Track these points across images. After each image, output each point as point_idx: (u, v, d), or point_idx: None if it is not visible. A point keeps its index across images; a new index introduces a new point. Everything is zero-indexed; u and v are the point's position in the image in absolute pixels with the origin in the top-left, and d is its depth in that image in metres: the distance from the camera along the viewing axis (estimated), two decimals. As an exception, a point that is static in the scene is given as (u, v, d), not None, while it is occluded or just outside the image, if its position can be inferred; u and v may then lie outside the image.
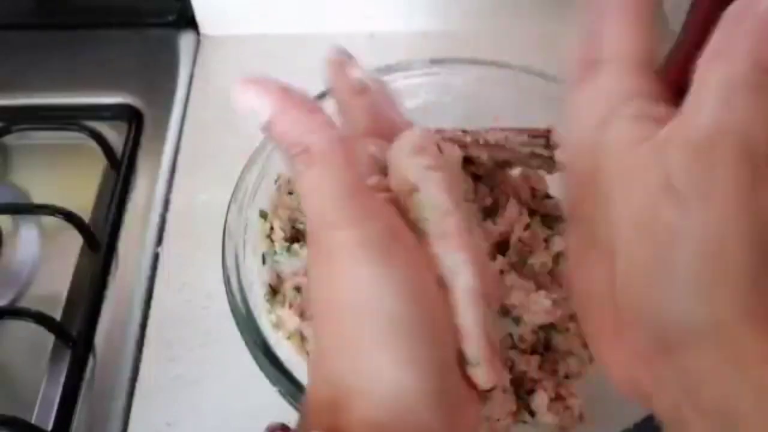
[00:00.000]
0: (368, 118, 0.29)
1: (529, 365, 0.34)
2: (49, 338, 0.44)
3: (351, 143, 0.22)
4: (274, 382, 0.31)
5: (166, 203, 0.51)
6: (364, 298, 0.20)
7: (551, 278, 0.36)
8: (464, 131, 0.42)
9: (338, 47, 0.32)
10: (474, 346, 0.22)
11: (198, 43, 0.62)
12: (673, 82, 0.45)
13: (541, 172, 0.37)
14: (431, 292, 0.21)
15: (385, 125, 0.28)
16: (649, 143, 0.19)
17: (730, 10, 0.18)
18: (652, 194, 0.18)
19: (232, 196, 0.38)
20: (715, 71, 0.18)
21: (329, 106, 0.41)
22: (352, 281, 0.20)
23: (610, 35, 0.22)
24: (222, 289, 0.35)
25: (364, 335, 0.20)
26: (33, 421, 0.41)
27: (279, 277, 0.39)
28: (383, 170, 0.25)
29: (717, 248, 0.17)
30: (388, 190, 0.24)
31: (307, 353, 0.36)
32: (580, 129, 0.22)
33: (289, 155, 0.22)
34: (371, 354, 0.20)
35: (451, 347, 0.21)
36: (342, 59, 0.32)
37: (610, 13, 0.22)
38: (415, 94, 0.43)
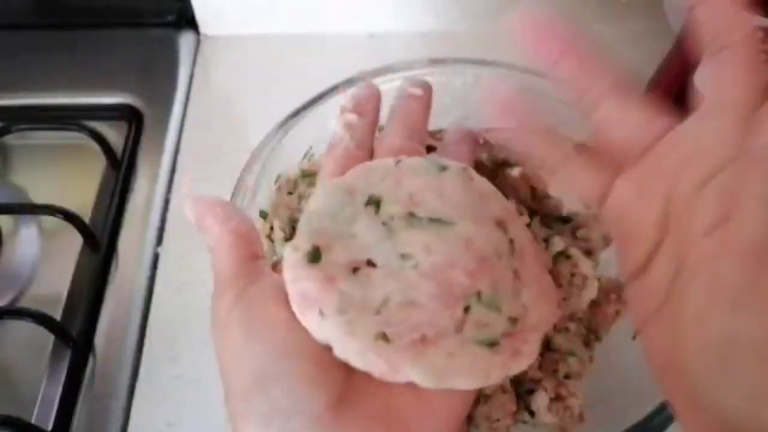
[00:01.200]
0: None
1: (529, 365, 0.34)
2: (49, 338, 0.44)
3: (239, 233, 0.27)
4: (274, 382, 0.31)
5: (166, 203, 0.51)
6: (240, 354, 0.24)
7: (551, 278, 0.36)
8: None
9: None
10: None
11: (198, 43, 0.62)
12: (672, 81, 0.45)
13: (541, 172, 0.37)
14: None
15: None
16: (713, 244, 0.19)
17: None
18: (708, 296, 0.19)
19: (231, 196, 0.38)
20: (758, 180, 0.18)
21: (334, 102, 0.41)
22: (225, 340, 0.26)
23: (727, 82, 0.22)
24: (222, 289, 0.35)
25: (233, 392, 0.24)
26: (33, 421, 0.41)
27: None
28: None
29: None
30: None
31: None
32: (686, 180, 0.21)
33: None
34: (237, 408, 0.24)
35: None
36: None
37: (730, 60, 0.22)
38: (415, 93, 0.43)
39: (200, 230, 0.27)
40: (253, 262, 0.26)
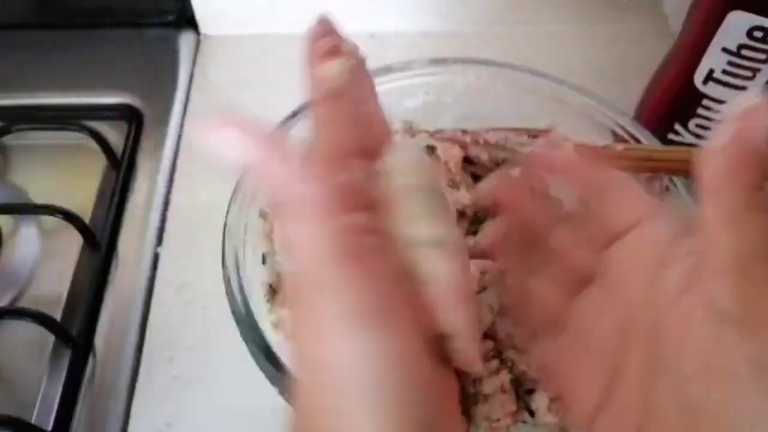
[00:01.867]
0: (349, 126, 0.24)
1: (529, 365, 0.34)
2: (49, 338, 0.44)
3: (347, 192, 0.20)
4: (274, 382, 0.31)
5: (166, 203, 0.51)
6: (349, 366, 0.19)
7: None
8: (464, 131, 0.42)
9: (322, 16, 0.26)
10: (466, 345, 0.22)
11: (198, 42, 0.62)
12: (672, 81, 0.45)
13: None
14: (420, 356, 0.20)
15: (365, 128, 0.25)
16: (695, 286, 0.20)
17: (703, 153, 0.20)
18: (709, 329, 0.19)
19: (232, 196, 0.38)
20: (714, 205, 0.19)
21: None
22: (338, 349, 0.19)
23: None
24: (222, 289, 0.35)
25: (348, 401, 0.19)
26: (33, 421, 0.41)
27: (279, 277, 0.39)
28: (370, 203, 0.22)
29: None
30: (378, 230, 0.21)
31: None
32: (634, 283, 0.23)
33: (275, 202, 0.21)
34: (353, 418, 0.19)
35: (437, 402, 0.20)
36: (325, 37, 0.27)
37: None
38: (415, 94, 0.43)
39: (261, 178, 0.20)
40: (361, 251, 0.20)
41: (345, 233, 0.19)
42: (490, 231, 0.30)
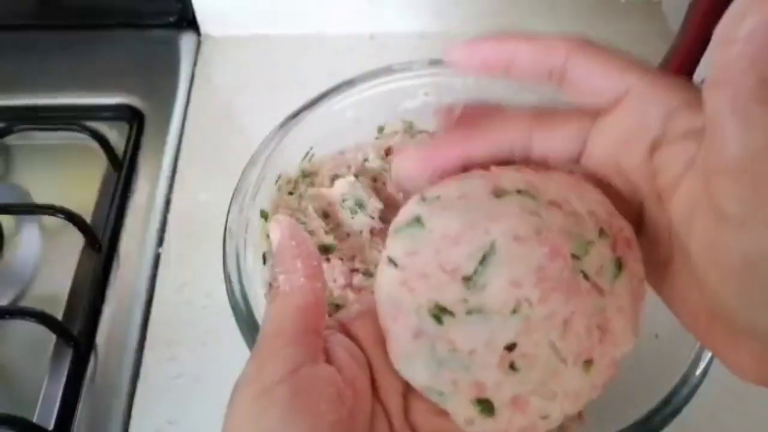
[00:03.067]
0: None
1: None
2: (51, 338, 0.44)
3: (320, 299, 0.23)
4: (274, 381, 0.31)
5: (167, 203, 0.51)
6: None
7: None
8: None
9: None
10: None
11: (199, 43, 0.62)
12: (704, 14, 0.44)
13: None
14: None
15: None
16: (696, 177, 0.20)
17: (721, 34, 0.18)
18: (712, 227, 0.19)
19: (232, 196, 0.38)
20: (723, 97, 0.18)
21: (334, 103, 0.41)
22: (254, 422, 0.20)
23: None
24: (223, 288, 0.35)
25: None
26: (35, 420, 0.41)
27: (279, 277, 0.39)
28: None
29: None
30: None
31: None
32: (631, 155, 0.22)
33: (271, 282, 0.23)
34: None
35: None
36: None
37: None
38: (415, 94, 0.43)
39: (279, 262, 0.23)
40: (316, 336, 0.22)
41: (296, 317, 0.22)
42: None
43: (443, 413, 0.21)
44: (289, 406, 0.19)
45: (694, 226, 0.20)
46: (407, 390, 0.22)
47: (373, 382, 0.22)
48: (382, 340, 0.22)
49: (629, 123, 0.22)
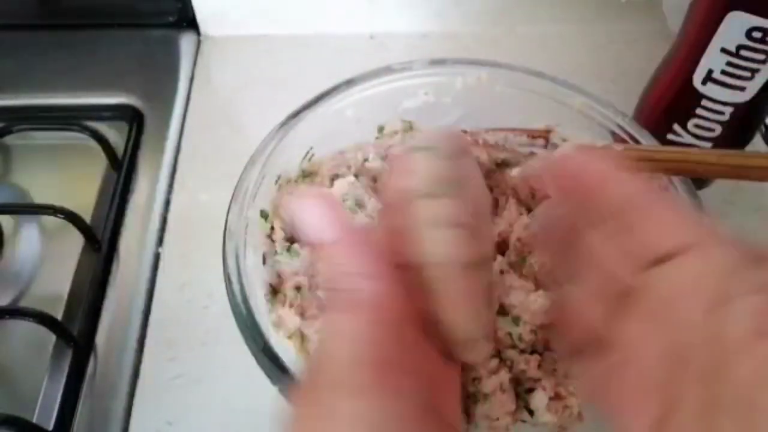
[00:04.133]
0: None
1: (529, 365, 0.34)
2: (50, 338, 0.44)
3: (402, 299, 0.19)
4: (274, 382, 0.31)
5: (167, 203, 0.51)
6: None
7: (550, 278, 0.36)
8: (464, 131, 0.42)
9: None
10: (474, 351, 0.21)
11: (198, 43, 0.62)
12: (671, 81, 0.45)
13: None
14: None
15: None
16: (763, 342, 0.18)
17: None
18: None
19: (232, 196, 0.38)
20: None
21: (334, 103, 0.41)
22: None
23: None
24: (222, 288, 0.35)
25: None
26: (34, 421, 0.41)
27: (279, 277, 0.39)
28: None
29: None
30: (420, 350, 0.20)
31: (308, 352, 0.36)
32: (687, 312, 0.19)
33: (328, 287, 0.19)
34: None
35: None
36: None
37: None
38: (415, 94, 0.43)
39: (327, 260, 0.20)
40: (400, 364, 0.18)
41: (387, 343, 0.18)
42: (541, 211, 0.26)
43: None
44: None
45: (759, 401, 0.17)
46: None
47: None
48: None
49: (690, 272, 0.20)
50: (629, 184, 0.21)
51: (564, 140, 0.41)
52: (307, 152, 0.43)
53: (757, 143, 0.51)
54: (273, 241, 0.39)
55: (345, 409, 0.17)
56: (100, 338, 0.45)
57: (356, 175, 0.42)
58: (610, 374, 0.22)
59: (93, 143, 0.53)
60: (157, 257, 0.48)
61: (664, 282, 0.20)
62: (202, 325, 0.45)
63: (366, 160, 0.44)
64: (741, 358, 0.18)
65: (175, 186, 0.52)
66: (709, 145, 0.45)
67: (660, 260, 0.21)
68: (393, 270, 0.19)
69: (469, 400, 0.32)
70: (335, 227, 0.19)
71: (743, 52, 0.39)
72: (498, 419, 0.33)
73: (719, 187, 0.49)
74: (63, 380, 0.43)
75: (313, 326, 0.36)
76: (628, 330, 0.21)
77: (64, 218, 0.47)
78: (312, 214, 0.19)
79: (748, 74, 0.40)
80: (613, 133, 0.39)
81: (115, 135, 0.55)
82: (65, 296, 0.47)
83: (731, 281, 0.19)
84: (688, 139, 0.45)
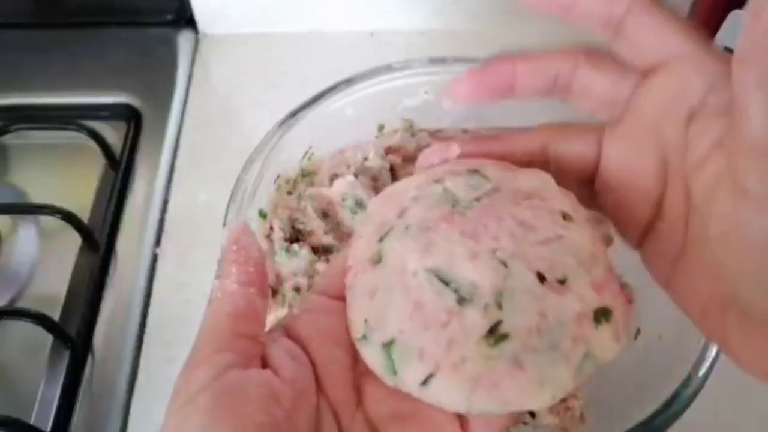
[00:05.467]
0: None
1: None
2: (48, 338, 0.44)
3: (253, 304, 0.22)
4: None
5: (165, 203, 0.51)
6: None
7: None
8: (464, 131, 0.42)
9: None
10: None
11: (197, 42, 0.62)
12: (704, 17, 0.43)
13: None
14: None
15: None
16: (723, 156, 0.20)
17: (751, 8, 0.18)
18: (733, 206, 0.19)
19: (231, 195, 0.38)
20: (750, 74, 0.18)
21: (333, 101, 0.41)
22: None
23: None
24: (221, 289, 0.35)
25: None
26: (32, 422, 0.41)
27: (278, 278, 0.39)
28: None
29: None
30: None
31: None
32: (670, 121, 0.22)
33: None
34: None
35: None
36: None
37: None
38: (415, 93, 0.43)
39: (219, 269, 0.23)
40: (249, 341, 0.21)
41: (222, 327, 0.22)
42: None
43: (400, 393, 0.22)
44: (210, 411, 0.19)
45: (715, 206, 0.20)
46: (359, 380, 0.22)
47: (318, 379, 0.22)
48: (324, 336, 0.23)
49: (672, 86, 0.22)
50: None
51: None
52: (307, 151, 0.43)
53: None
54: (272, 241, 0.39)
55: (195, 376, 0.20)
56: (98, 339, 0.45)
57: (356, 175, 0.42)
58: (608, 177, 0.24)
59: (90, 143, 0.53)
60: (155, 257, 0.48)
61: (646, 97, 0.23)
62: (201, 325, 0.45)
63: (366, 159, 0.43)
64: (699, 177, 0.21)
65: (173, 185, 0.52)
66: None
67: (643, 75, 0.23)
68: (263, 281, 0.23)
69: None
70: (235, 256, 0.23)
71: (745, 51, 0.39)
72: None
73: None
74: (60, 381, 0.42)
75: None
76: (622, 146, 0.24)
77: (61, 218, 0.47)
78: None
79: (750, 73, 0.40)
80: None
81: (113, 134, 0.55)
82: (63, 296, 0.46)
83: (701, 104, 0.21)
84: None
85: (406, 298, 0.21)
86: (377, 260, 0.23)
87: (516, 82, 0.24)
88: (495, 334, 0.20)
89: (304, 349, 0.22)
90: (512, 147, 0.25)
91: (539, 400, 0.20)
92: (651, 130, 0.22)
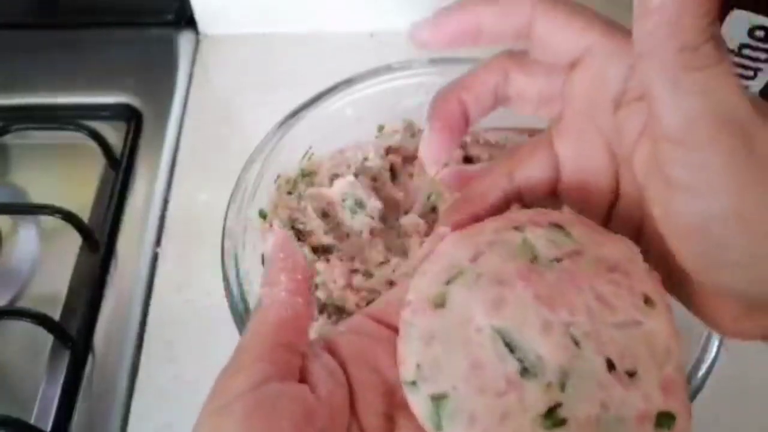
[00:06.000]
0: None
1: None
2: (48, 338, 0.44)
3: (299, 315, 0.22)
4: (273, 383, 0.31)
5: (165, 203, 0.51)
6: None
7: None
8: (464, 131, 0.42)
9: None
10: None
11: (197, 42, 0.62)
12: None
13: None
14: None
15: None
16: (648, 142, 0.21)
17: (636, 5, 0.18)
18: (663, 192, 0.20)
19: (231, 195, 0.38)
20: (652, 67, 0.18)
21: (333, 102, 0.41)
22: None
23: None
24: (221, 289, 0.35)
25: None
26: (32, 422, 0.41)
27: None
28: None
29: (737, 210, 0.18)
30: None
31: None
32: (600, 112, 0.23)
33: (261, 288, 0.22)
34: None
35: None
36: None
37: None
38: (415, 94, 0.43)
39: (266, 275, 0.23)
40: (291, 353, 0.21)
41: (269, 335, 0.21)
42: None
43: None
44: (245, 422, 0.19)
45: (650, 192, 0.21)
46: (393, 411, 0.22)
47: (352, 401, 0.21)
48: (365, 359, 0.22)
49: (590, 81, 0.23)
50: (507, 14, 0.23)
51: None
52: (307, 151, 0.43)
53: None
54: (272, 241, 0.39)
55: (234, 382, 0.20)
56: (98, 339, 0.45)
57: (356, 175, 0.42)
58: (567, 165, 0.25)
59: (91, 143, 0.53)
60: (155, 257, 0.48)
61: (575, 89, 0.23)
62: (201, 325, 0.45)
63: (366, 159, 0.43)
64: (633, 159, 0.22)
65: (174, 185, 0.52)
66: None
67: (568, 69, 0.23)
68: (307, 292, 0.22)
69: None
70: (283, 264, 0.23)
71: (746, 51, 0.39)
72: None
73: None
74: (61, 381, 0.42)
75: (312, 327, 0.36)
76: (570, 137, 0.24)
77: (62, 218, 0.47)
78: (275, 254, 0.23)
79: (750, 73, 0.40)
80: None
81: (114, 134, 0.55)
82: (63, 296, 0.46)
83: (623, 91, 0.22)
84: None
85: (466, 353, 0.20)
86: (440, 303, 0.21)
87: (480, 32, 0.24)
88: (552, 416, 0.19)
89: (343, 368, 0.22)
90: (485, 193, 0.25)
91: None
92: (587, 121, 0.23)
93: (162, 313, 0.45)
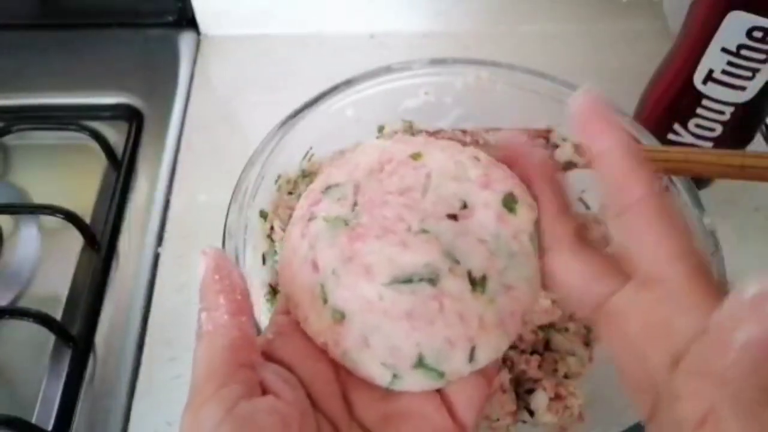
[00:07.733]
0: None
1: (529, 365, 0.34)
2: (50, 338, 0.44)
3: (247, 333, 0.22)
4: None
5: (167, 203, 0.51)
6: None
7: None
8: (464, 131, 0.42)
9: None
10: None
11: (198, 43, 0.62)
12: (671, 81, 0.45)
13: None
14: None
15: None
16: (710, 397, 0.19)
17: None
18: None
19: (232, 196, 0.38)
20: (725, 391, 0.18)
21: (334, 102, 0.41)
22: None
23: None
24: (222, 288, 0.35)
25: None
26: (33, 421, 0.41)
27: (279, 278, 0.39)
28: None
29: None
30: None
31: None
32: (652, 360, 0.21)
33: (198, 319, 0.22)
34: None
35: None
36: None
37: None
38: (415, 94, 0.43)
39: (202, 299, 0.22)
40: (250, 371, 0.21)
41: (221, 358, 0.21)
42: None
43: (386, 395, 0.23)
44: None
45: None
46: (346, 390, 0.23)
47: (309, 396, 0.22)
48: (302, 355, 0.23)
49: (657, 322, 0.21)
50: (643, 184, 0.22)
51: (564, 140, 0.41)
52: (307, 152, 0.43)
53: (757, 143, 0.50)
54: (273, 241, 0.39)
55: (205, 413, 0.20)
56: (100, 338, 0.45)
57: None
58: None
59: (92, 143, 0.53)
60: (156, 257, 0.48)
61: (625, 312, 0.22)
62: (202, 325, 0.45)
63: (366, 159, 0.43)
64: None
65: (175, 186, 0.52)
66: (709, 144, 0.45)
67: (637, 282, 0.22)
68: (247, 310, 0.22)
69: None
70: (220, 286, 0.22)
71: (744, 52, 0.39)
72: (498, 420, 0.33)
73: (719, 187, 0.49)
74: (62, 381, 0.43)
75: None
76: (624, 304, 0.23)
77: (63, 218, 0.47)
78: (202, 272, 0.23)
79: (748, 74, 0.40)
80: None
81: (115, 135, 0.55)
82: (64, 296, 0.47)
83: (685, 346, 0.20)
84: (688, 138, 0.45)
85: (393, 319, 0.22)
86: (339, 318, 0.23)
87: (599, 161, 0.24)
88: (476, 283, 0.22)
89: (290, 370, 0.23)
90: None
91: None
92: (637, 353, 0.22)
93: (163, 313, 0.46)
